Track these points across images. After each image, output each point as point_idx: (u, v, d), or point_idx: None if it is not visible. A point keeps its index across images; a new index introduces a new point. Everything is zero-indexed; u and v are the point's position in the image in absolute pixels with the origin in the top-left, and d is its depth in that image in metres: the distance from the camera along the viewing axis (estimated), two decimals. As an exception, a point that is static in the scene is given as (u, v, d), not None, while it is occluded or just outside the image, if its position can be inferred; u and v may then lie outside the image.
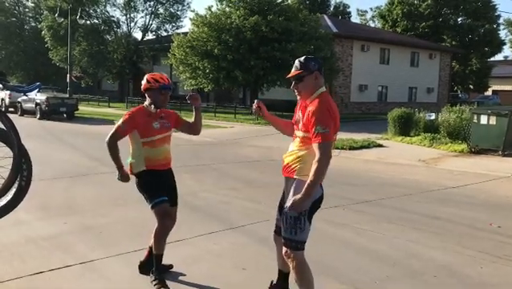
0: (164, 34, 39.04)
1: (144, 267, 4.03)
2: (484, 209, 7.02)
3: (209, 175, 9.20)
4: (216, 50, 23.05)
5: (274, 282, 3.62)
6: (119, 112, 22.77)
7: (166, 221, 3.82)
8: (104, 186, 7.51)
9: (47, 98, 21.64)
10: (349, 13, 54.83)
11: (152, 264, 3.89)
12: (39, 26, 40.57)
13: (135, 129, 3.82)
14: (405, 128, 15.83)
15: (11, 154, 3.56)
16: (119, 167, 3.83)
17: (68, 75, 29.13)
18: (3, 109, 22.73)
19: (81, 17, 30.26)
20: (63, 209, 6.20)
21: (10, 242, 4.81)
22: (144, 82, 3.89)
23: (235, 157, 11.70)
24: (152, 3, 38.50)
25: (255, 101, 3.56)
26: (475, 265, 4.57)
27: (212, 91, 28.96)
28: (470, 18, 41.22)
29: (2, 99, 24.36)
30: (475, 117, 12.45)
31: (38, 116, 21.80)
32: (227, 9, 25.21)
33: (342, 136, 14.55)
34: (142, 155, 3.84)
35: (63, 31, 33.99)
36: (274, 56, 22.31)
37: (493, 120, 12.04)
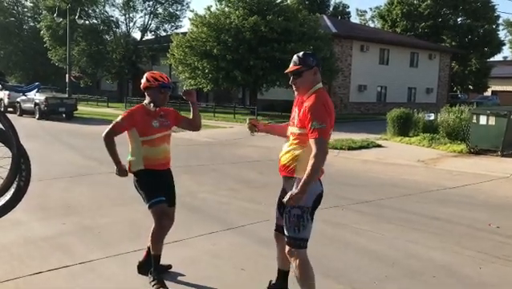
0: (163, 34, 39.10)
1: (143, 268, 4.03)
2: (483, 209, 7.02)
3: (208, 175, 9.19)
4: (215, 50, 23.05)
5: (273, 281, 3.62)
6: (118, 112, 22.70)
7: (163, 221, 3.81)
8: (103, 186, 7.51)
9: (46, 98, 21.61)
10: (348, 13, 54.93)
11: (151, 264, 3.88)
12: (38, 26, 40.60)
13: (133, 127, 3.81)
14: (404, 128, 15.83)
15: (10, 154, 3.55)
16: (117, 162, 3.82)
17: (67, 75, 29.11)
18: (2, 109, 22.73)
19: (80, 17, 30.24)
20: (62, 209, 6.19)
21: (9, 242, 4.80)
22: (143, 80, 3.88)
23: (234, 157, 11.69)
24: (151, 3, 38.54)
25: (247, 120, 3.63)
26: (474, 265, 4.57)
27: (211, 91, 28.95)
28: (470, 19, 41.25)
29: (1, 99, 24.31)
30: (474, 117, 12.46)
31: (37, 116, 21.76)
32: (226, 9, 25.22)
33: (341, 136, 14.57)
34: (141, 154, 3.82)
35: (62, 31, 33.97)
36: (274, 56, 22.31)
37: (492, 121, 12.05)
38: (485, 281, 4.23)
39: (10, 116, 3.83)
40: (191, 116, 4.08)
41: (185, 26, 60.22)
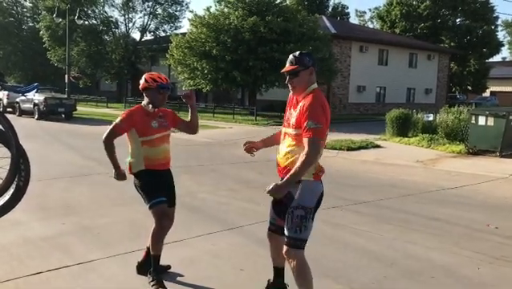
0: (163, 34, 39.05)
1: (142, 268, 4.03)
2: (481, 210, 7.03)
3: (207, 175, 9.20)
4: (214, 51, 23.06)
5: (271, 280, 3.63)
6: (118, 113, 22.68)
7: (164, 221, 3.81)
8: (102, 187, 7.51)
9: (45, 98, 21.61)
10: (348, 14, 54.94)
11: (150, 265, 3.89)
12: (37, 27, 40.56)
13: (133, 128, 3.81)
14: (403, 128, 15.86)
15: (9, 154, 3.55)
16: (116, 166, 3.83)
17: (66, 76, 29.07)
18: (1, 109, 22.72)
19: (79, 17, 30.22)
20: (61, 209, 6.19)
21: (9, 242, 4.81)
22: (142, 81, 3.89)
23: (233, 158, 11.70)
24: (150, 4, 38.55)
25: (244, 146, 3.79)
26: (473, 265, 4.58)
27: (210, 92, 28.96)
28: (468, 20, 41.32)
29: (0, 100, 24.32)
30: (473, 118, 12.48)
31: (37, 116, 21.77)
32: (225, 9, 25.24)
33: (340, 136, 14.59)
34: (141, 154, 3.83)
35: (61, 31, 33.95)
36: (273, 57, 22.32)
37: (490, 121, 12.08)
38: (483, 281, 4.24)
39: (9, 116, 3.83)
40: (189, 119, 4.09)
41: (185, 26, 60.18)
